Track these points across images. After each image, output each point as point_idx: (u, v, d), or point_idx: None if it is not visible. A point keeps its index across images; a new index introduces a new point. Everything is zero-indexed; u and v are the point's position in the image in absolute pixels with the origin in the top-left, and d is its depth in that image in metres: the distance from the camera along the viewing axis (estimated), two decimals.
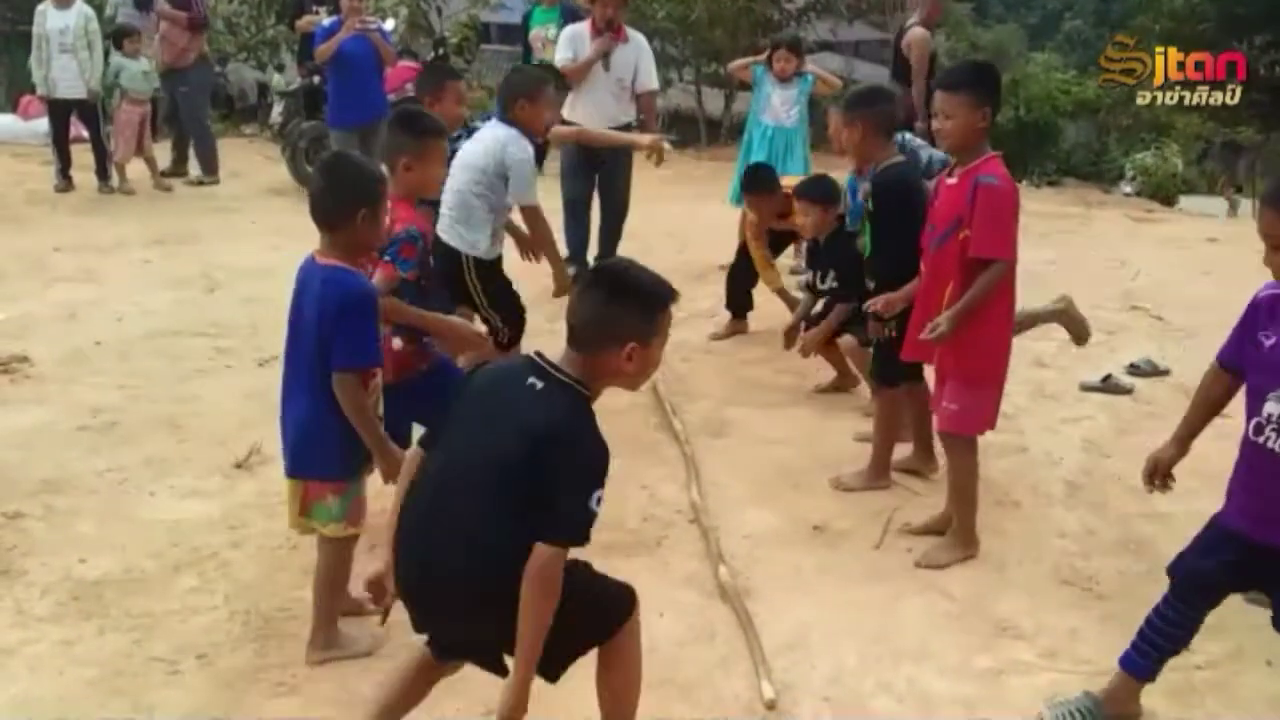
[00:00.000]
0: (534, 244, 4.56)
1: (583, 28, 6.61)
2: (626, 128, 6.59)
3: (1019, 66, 21.71)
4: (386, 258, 3.30)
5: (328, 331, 2.71)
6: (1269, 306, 2.58)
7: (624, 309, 2.22)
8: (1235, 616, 3.23)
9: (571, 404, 2.19)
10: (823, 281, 4.98)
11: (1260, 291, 2.63)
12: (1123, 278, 7.38)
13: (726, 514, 3.85)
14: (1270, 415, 2.51)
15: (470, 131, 4.41)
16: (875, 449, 4.14)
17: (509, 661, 2.21)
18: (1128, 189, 15.83)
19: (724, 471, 4.20)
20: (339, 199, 2.78)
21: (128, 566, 3.41)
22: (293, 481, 2.88)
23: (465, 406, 2.30)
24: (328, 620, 2.97)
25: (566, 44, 6.64)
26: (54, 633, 3.06)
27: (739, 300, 6.03)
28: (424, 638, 2.41)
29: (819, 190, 4.92)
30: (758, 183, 5.70)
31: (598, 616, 2.34)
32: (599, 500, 2.13)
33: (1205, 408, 2.77)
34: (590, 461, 2.14)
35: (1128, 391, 5.16)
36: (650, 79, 6.83)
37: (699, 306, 6.41)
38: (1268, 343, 2.54)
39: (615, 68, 6.61)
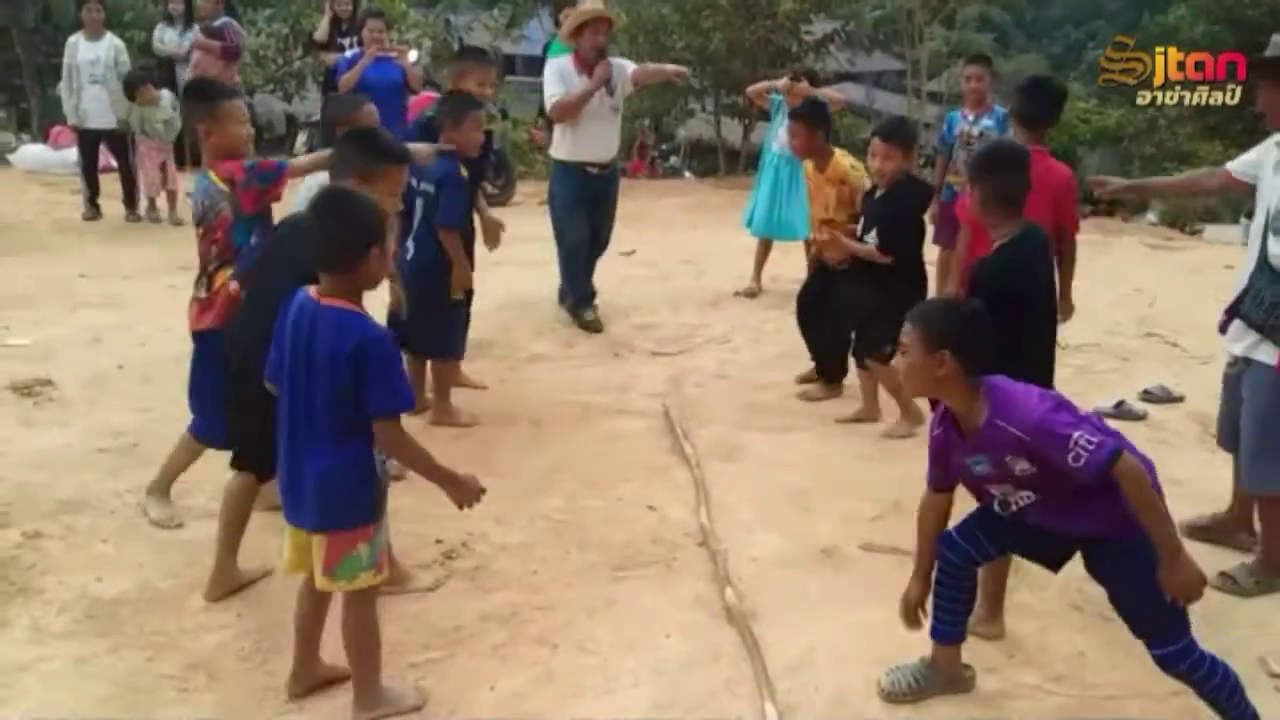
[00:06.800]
0: None
1: (565, 61, 6.29)
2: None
3: None
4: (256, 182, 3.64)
5: (348, 379, 2.56)
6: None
7: None
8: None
9: None
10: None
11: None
12: (1139, 304, 7.36)
13: (735, 537, 3.87)
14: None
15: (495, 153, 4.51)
16: None
17: None
18: (1152, 218, 15.80)
19: (733, 495, 4.21)
20: (345, 239, 2.62)
21: (143, 585, 3.46)
22: (319, 537, 2.69)
23: None
24: (370, 678, 2.83)
25: (556, 80, 6.28)
26: (69, 650, 3.11)
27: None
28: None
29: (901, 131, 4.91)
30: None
31: None
32: None
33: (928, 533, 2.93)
34: None
35: (1141, 418, 5.14)
36: (630, 67, 6.59)
37: (713, 332, 6.45)
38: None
39: (616, 93, 6.37)
